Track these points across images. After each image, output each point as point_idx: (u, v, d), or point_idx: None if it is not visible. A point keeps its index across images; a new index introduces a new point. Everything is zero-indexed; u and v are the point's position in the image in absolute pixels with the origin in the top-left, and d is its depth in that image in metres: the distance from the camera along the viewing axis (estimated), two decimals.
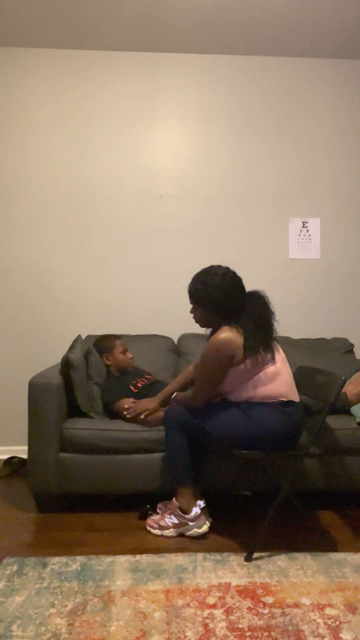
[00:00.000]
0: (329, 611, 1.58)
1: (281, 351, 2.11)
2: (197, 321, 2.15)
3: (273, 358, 2.03)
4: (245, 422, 1.97)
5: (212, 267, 2.10)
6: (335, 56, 3.31)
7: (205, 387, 2.05)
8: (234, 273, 2.08)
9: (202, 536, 2.07)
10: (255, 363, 1.98)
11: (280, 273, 3.31)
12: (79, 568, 1.82)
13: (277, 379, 2.01)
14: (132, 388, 2.54)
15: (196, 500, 2.11)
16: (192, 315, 2.15)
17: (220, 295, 2.02)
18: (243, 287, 2.09)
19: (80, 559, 1.89)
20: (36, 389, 2.27)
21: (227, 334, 1.96)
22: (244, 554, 1.91)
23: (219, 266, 2.09)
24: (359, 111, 3.35)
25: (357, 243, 3.36)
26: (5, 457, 3.14)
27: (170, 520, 2.09)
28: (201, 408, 2.08)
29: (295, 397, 2.05)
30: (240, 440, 1.98)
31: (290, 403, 2.01)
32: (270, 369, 2.01)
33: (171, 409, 2.14)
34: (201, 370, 2.04)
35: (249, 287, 2.12)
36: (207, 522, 2.09)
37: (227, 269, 2.08)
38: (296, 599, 1.64)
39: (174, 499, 2.11)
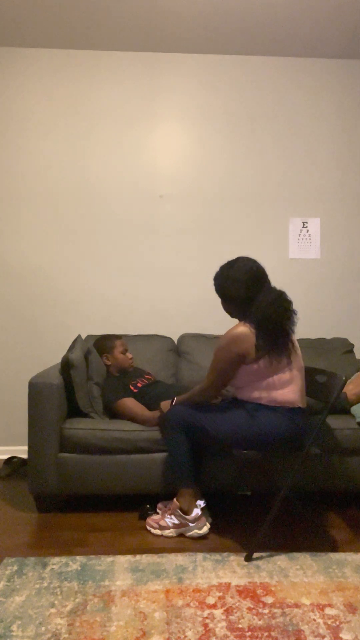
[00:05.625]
0: (329, 611, 1.58)
1: (299, 358, 2.07)
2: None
3: (289, 364, 2.00)
4: (249, 422, 1.97)
5: (233, 259, 2.10)
6: (335, 56, 3.31)
7: (213, 380, 2.04)
8: (242, 264, 2.04)
9: (202, 536, 2.07)
10: (269, 364, 1.96)
11: (280, 273, 3.30)
12: (79, 568, 1.82)
13: (290, 386, 2.00)
14: (132, 388, 2.54)
15: (196, 500, 2.11)
16: None
17: (223, 286, 2.05)
18: (248, 278, 2.01)
19: (80, 559, 1.89)
20: (36, 389, 2.27)
21: (241, 330, 1.96)
22: (244, 554, 1.91)
23: (237, 258, 2.09)
24: (359, 111, 3.35)
25: (357, 243, 3.36)
26: (5, 457, 3.13)
27: (171, 520, 2.09)
28: (203, 408, 2.08)
29: (303, 403, 2.04)
30: (241, 440, 1.98)
31: (296, 409, 2.01)
32: (285, 375, 1.99)
33: (172, 410, 2.14)
34: (212, 362, 2.04)
35: None
36: (207, 524, 2.09)
37: (236, 260, 2.07)
38: (296, 599, 1.64)
39: (174, 499, 2.11)
